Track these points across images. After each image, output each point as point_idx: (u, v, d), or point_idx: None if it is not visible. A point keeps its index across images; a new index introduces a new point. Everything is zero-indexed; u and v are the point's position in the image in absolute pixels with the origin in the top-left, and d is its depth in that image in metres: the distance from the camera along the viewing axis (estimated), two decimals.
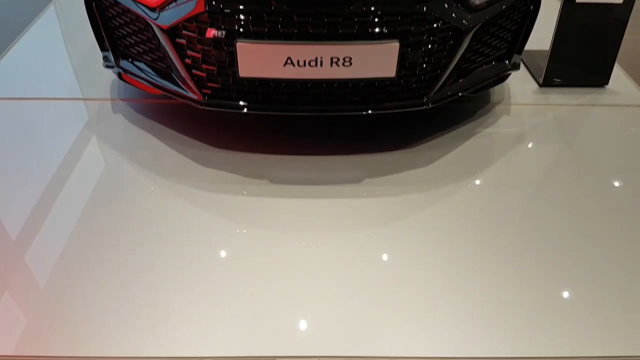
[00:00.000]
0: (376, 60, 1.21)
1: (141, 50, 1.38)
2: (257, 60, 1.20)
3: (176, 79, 1.32)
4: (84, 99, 1.60)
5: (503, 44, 1.45)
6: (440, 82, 1.33)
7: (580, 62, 1.64)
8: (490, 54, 1.44)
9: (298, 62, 1.19)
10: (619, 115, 1.60)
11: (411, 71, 1.27)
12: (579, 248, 1.15)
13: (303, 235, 1.18)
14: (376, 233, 1.18)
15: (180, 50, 1.26)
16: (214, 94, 1.30)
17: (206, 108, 1.31)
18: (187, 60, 1.27)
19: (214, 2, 1.17)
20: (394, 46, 1.20)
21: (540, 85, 1.69)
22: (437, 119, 1.52)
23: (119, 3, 1.31)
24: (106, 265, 1.09)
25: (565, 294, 1.05)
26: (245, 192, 1.29)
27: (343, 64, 1.20)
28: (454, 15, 1.24)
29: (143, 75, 1.40)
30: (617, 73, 1.73)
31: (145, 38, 1.34)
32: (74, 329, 0.96)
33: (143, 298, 1.02)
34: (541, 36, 1.63)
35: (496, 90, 1.66)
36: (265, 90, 1.27)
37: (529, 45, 1.51)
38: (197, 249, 1.13)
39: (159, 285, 1.05)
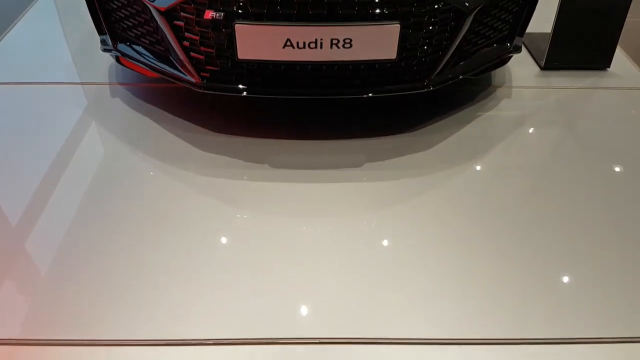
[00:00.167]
0: (377, 41, 1.20)
1: (139, 33, 1.37)
2: (256, 42, 1.19)
3: (174, 62, 1.31)
4: (82, 84, 1.59)
5: (504, 26, 1.44)
6: (441, 65, 1.31)
7: (582, 44, 1.63)
8: (491, 36, 1.42)
9: (297, 43, 1.18)
10: (621, 98, 1.59)
11: (412, 53, 1.26)
12: (579, 232, 1.15)
13: (303, 219, 1.18)
14: (376, 217, 1.18)
15: (178, 32, 1.25)
16: (212, 77, 1.29)
17: (205, 91, 1.30)
18: (185, 43, 1.26)
19: None
20: (394, 27, 1.19)
21: (542, 68, 1.68)
22: (438, 102, 1.51)
23: None
24: (107, 250, 1.08)
25: (565, 278, 1.05)
26: (246, 177, 1.28)
27: (343, 46, 1.18)
28: None
29: (141, 59, 1.38)
30: (619, 56, 1.71)
31: (142, 20, 1.32)
32: (77, 313, 0.97)
33: (144, 282, 1.02)
34: (543, 18, 1.61)
35: (497, 73, 1.65)
36: (264, 72, 1.26)
37: (531, 28, 1.50)
38: (197, 233, 1.13)
39: (159, 269, 1.05)
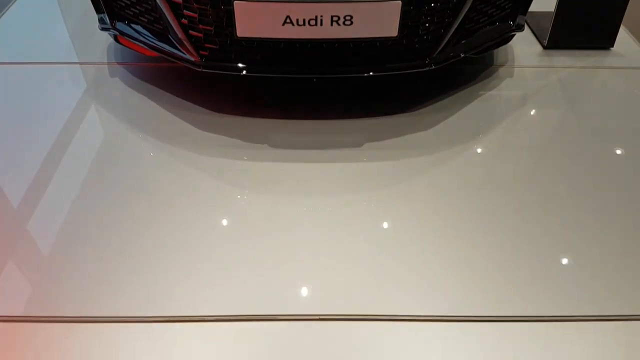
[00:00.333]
0: (378, 19, 1.18)
1: (137, 11, 1.35)
2: (255, 19, 1.18)
3: (173, 41, 1.30)
4: (80, 63, 1.58)
5: (507, 4, 1.42)
6: (443, 43, 1.30)
7: (586, 24, 1.61)
8: (494, 14, 1.40)
9: (297, 21, 1.16)
10: (624, 78, 1.58)
11: (414, 31, 1.24)
12: (580, 212, 1.14)
13: (304, 198, 1.18)
14: (377, 196, 1.18)
15: (176, 10, 1.23)
16: (211, 56, 1.28)
17: (203, 70, 1.29)
18: (184, 21, 1.24)
19: None
20: (396, 4, 1.17)
21: (545, 48, 1.66)
22: (440, 81, 1.50)
23: None
24: (108, 230, 1.09)
25: (565, 258, 1.05)
26: (246, 157, 1.28)
27: (344, 23, 1.17)
28: None
29: (139, 37, 1.37)
30: (623, 35, 1.69)
31: None
32: (77, 292, 0.97)
33: (144, 261, 1.02)
34: None
35: (499, 52, 1.63)
36: (263, 51, 1.25)
37: (534, 6, 1.48)
38: (198, 212, 1.12)
39: (160, 247, 1.05)
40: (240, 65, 1.27)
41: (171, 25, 1.27)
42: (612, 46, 1.66)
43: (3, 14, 1.80)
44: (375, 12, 1.18)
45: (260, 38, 1.21)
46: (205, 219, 1.11)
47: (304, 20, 1.16)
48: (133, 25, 1.38)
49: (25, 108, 1.42)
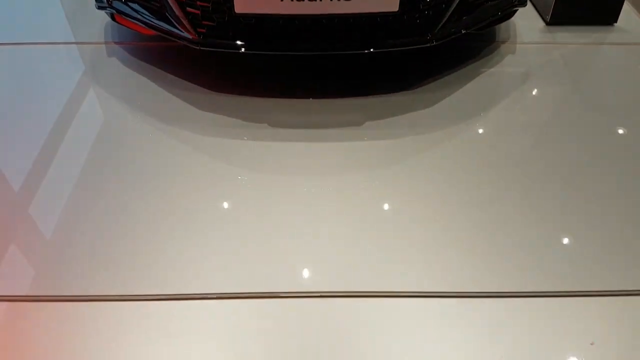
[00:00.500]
0: None
1: None
2: None
3: (170, 18, 1.28)
4: (78, 43, 1.56)
5: None
6: (445, 18, 1.28)
7: None
8: None
9: None
10: (627, 54, 1.56)
11: (415, 6, 1.23)
12: (581, 191, 1.14)
13: (304, 178, 1.17)
14: (377, 175, 1.17)
15: None
16: (209, 33, 1.26)
17: (201, 48, 1.27)
18: None
19: None
20: None
21: (547, 24, 1.64)
22: (441, 58, 1.48)
23: None
24: (109, 210, 1.08)
25: (565, 235, 1.04)
26: (245, 137, 1.27)
27: None
28: None
29: (137, 16, 1.35)
30: (627, 11, 1.67)
31: None
32: (81, 271, 0.97)
33: (146, 241, 1.02)
34: None
35: (502, 29, 1.61)
36: (262, 27, 1.23)
37: None
38: (198, 192, 1.12)
39: (162, 227, 1.05)
40: (238, 42, 1.26)
41: (168, 3, 1.25)
42: (616, 22, 1.64)
43: None
44: None
45: (258, 14, 1.19)
46: (205, 198, 1.11)
47: None
48: (130, 4, 1.36)
49: (23, 89, 1.41)
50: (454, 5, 1.27)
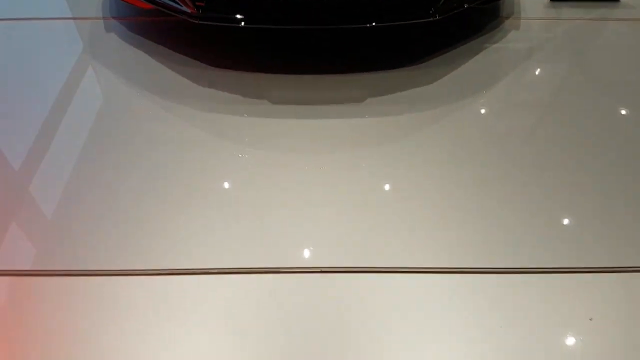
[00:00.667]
0: None
1: None
2: None
3: None
4: (75, 19, 1.54)
5: None
6: None
7: None
8: None
9: None
10: (633, 30, 1.53)
11: None
12: (583, 169, 1.13)
13: (304, 154, 1.16)
14: (379, 152, 1.16)
15: None
16: (208, 7, 1.24)
17: (201, 22, 1.26)
18: None
19: None
20: None
21: None
22: (444, 33, 1.46)
23: None
24: (109, 187, 1.08)
25: (567, 212, 1.04)
26: (245, 114, 1.26)
27: None
28: None
29: None
30: None
31: None
32: (83, 246, 0.97)
33: (148, 216, 1.02)
34: None
35: (506, 3, 1.58)
36: (262, 1, 1.21)
37: None
38: (198, 169, 1.11)
39: (161, 204, 1.05)
40: (238, 16, 1.24)
41: None
42: None
43: None
44: None
45: None
46: (205, 175, 1.11)
47: None
48: None
49: (20, 65, 1.40)
50: None
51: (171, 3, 1.27)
